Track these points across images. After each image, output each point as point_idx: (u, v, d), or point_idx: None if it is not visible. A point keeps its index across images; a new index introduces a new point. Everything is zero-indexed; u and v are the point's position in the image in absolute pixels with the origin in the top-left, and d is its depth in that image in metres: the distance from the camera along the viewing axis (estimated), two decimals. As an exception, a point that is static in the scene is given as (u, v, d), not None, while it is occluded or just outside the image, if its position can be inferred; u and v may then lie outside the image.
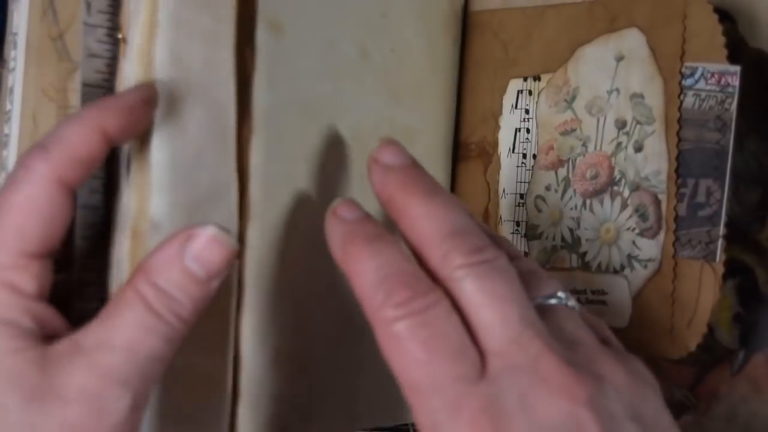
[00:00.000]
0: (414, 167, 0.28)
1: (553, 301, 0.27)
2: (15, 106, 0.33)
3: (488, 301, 0.25)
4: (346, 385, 0.35)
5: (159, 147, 0.28)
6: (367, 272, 0.25)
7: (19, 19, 0.33)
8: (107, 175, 0.30)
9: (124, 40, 0.29)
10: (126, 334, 0.24)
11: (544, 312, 0.26)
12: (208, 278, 0.25)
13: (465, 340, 0.24)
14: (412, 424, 0.37)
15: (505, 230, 0.40)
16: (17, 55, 0.33)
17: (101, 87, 0.30)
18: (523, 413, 0.23)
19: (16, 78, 0.33)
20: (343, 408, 0.34)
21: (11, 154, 0.33)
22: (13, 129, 0.33)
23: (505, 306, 0.25)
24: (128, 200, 0.29)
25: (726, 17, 0.38)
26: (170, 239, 0.26)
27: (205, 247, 0.25)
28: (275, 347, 0.32)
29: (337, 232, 0.27)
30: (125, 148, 0.29)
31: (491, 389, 0.24)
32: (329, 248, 0.27)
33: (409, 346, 0.24)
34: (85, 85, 0.29)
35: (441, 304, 0.24)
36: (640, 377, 0.26)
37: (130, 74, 0.29)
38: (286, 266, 0.32)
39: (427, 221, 0.26)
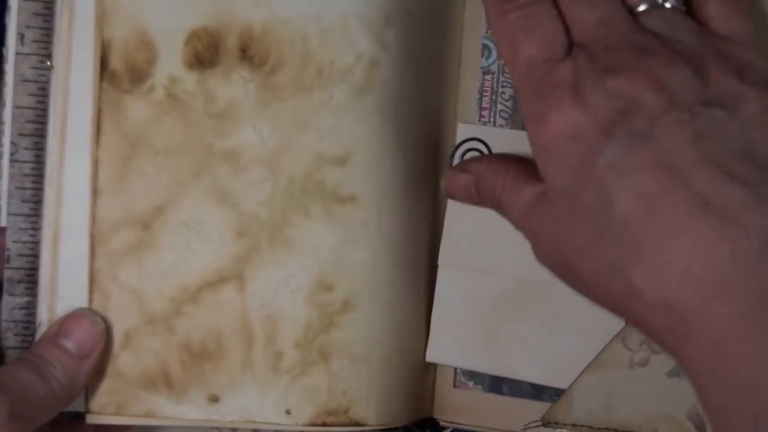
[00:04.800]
0: None
1: (642, 7, 0.31)
2: None
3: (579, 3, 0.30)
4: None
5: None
6: None
7: None
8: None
9: (53, 66, 0.33)
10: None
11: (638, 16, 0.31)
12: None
13: (557, 30, 0.30)
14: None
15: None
16: None
17: (33, 108, 0.34)
18: (597, 86, 0.28)
19: None
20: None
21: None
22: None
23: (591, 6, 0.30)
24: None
25: None
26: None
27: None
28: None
29: None
30: None
31: (573, 65, 0.29)
32: None
33: (516, 32, 0.30)
34: (17, 107, 0.33)
35: (542, 2, 0.30)
36: (731, 69, 0.29)
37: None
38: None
39: None
